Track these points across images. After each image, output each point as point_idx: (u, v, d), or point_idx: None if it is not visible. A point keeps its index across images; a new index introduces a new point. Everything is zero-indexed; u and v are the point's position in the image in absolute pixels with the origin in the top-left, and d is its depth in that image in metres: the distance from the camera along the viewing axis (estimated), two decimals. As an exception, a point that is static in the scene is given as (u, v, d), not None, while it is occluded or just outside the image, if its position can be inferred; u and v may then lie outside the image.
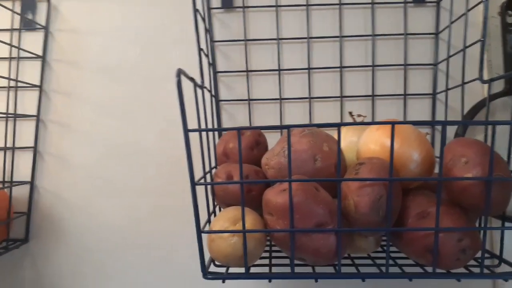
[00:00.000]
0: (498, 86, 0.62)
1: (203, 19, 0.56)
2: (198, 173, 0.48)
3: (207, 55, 0.56)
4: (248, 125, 0.66)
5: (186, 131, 0.38)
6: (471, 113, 0.61)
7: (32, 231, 0.67)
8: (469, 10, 0.55)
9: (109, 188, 0.68)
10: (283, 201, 0.40)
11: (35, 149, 0.67)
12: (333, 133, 0.52)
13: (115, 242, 0.68)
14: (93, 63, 0.68)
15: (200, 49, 0.53)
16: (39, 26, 0.67)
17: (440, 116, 0.65)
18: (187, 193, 0.66)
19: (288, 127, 0.39)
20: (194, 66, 0.56)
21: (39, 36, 0.68)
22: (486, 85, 0.64)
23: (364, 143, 0.47)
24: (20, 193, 0.67)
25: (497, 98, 0.61)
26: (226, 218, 0.42)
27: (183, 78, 0.40)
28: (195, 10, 0.52)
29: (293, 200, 0.39)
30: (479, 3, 0.53)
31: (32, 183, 0.67)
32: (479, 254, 0.41)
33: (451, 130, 0.63)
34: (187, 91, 0.57)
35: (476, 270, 0.42)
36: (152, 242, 0.67)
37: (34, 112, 0.67)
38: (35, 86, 0.67)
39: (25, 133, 0.67)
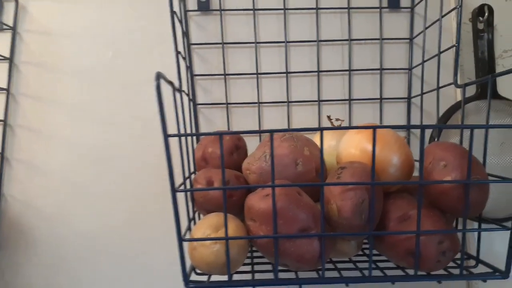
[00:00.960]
0: (471, 90, 0.64)
1: (180, 22, 0.55)
2: (177, 179, 0.47)
3: (184, 58, 0.55)
4: (226, 129, 0.66)
5: (166, 136, 0.37)
6: (445, 117, 0.62)
7: (-1, 241, 0.64)
8: (443, 16, 0.56)
9: (83, 194, 0.65)
10: (266, 207, 0.40)
11: (1, 155, 0.64)
12: (311, 136, 0.53)
13: (90, 251, 0.65)
14: (65, 65, 0.66)
15: (177, 52, 0.52)
16: (6, 27, 0.64)
17: (415, 120, 0.66)
18: (165, 199, 0.64)
19: (271, 131, 0.38)
20: (171, 69, 0.55)
21: (6, 37, 0.65)
22: (459, 90, 0.66)
23: (344, 147, 0.47)
24: (-14, 202, 0.63)
25: (470, 102, 0.63)
26: (207, 225, 0.41)
27: (161, 81, 0.39)
28: (172, 12, 0.51)
29: (277, 205, 0.39)
30: (453, 9, 0.55)
31: (-1, 191, 0.64)
32: (457, 256, 0.42)
33: (426, 133, 0.64)
34: (165, 94, 0.56)
35: (455, 271, 0.43)
36: (130, 250, 0.65)
37: (1, 117, 0.64)
38: (1, 89, 0.64)
39: (-9, 139, 0.64)
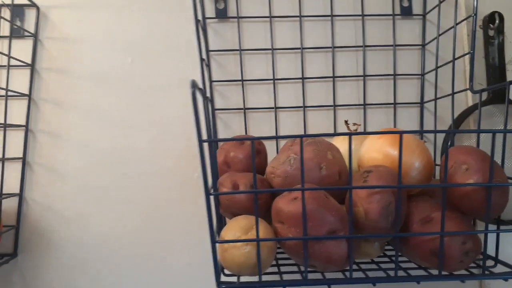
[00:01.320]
0: (485, 95, 0.66)
1: (204, 29, 0.57)
2: (198, 183, 0.48)
3: (208, 65, 0.57)
4: (243, 133, 0.67)
5: (201, 141, 0.39)
6: (458, 122, 0.64)
7: (21, 244, 0.65)
8: (458, 24, 0.58)
9: (102, 198, 0.66)
10: (296, 209, 0.41)
11: (24, 159, 0.65)
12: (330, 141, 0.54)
13: (109, 253, 0.66)
14: (83, 71, 0.67)
15: (202, 59, 0.53)
16: (28, 34, 0.66)
17: (427, 124, 0.68)
18: (183, 202, 0.67)
19: (301, 136, 0.40)
20: (187, 75, 0.56)
21: (28, 44, 0.66)
22: (470, 96, 0.68)
23: (366, 151, 0.49)
24: (9, 205, 0.64)
25: (482, 107, 0.65)
26: (238, 227, 0.43)
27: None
28: (197, 21, 0.53)
29: (306, 208, 0.40)
30: (468, 17, 0.56)
31: (21, 195, 0.65)
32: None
33: (439, 138, 0.65)
34: (186, 100, 0.57)
35: (475, 271, 0.44)
36: (148, 252, 0.66)
37: (23, 122, 0.65)
38: (24, 95, 0.65)
39: (13, 144, 0.65)
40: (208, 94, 0.59)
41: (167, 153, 0.67)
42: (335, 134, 0.40)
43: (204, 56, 0.58)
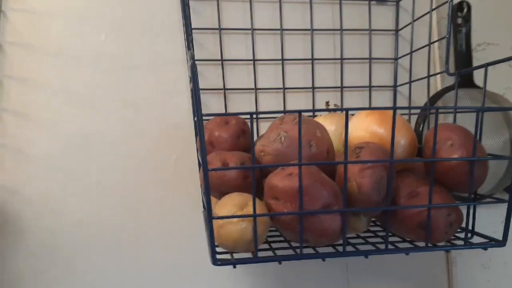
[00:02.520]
0: (450, 80, 0.69)
1: (187, 5, 0.55)
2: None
3: (191, 42, 0.55)
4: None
5: (200, 116, 0.38)
6: (429, 104, 0.67)
7: (-16, 231, 0.61)
8: (433, 9, 0.61)
9: (73, 182, 0.63)
10: (292, 185, 0.41)
11: (-14, 140, 0.60)
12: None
13: (81, 240, 0.63)
14: (52, 47, 0.62)
15: (187, 36, 0.51)
16: (-11, 4, 0.60)
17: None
18: (160, 186, 0.65)
19: (300, 111, 0.40)
20: (162, 54, 0.54)
21: (-11, 15, 0.61)
22: (439, 80, 0.71)
23: (354, 130, 0.50)
24: (-30, 190, 0.60)
25: (450, 91, 0.68)
26: (232, 203, 0.42)
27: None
28: (182, -4, 0.51)
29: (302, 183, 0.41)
30: (444, 3, 0.59)
31: (-17, 179, 0.60)
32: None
33: (412, 119, 0.68)
34: (159, 80, 0.55)
35: (457, 242, 0.47)
36: (122, 240, 0.64)
37: (-15, 100, 0.60)
38: (-15, 70, 0.60)
39: (-26, 124, 0.60)
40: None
41: (141, 135, 0.65)
42: (333, 109, 0.40)
43: (180, 35, 0.56)
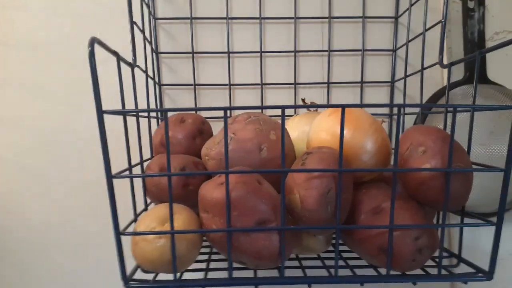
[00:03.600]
0: (458, 74, 0.59)
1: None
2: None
3: (142, 30, 0.50)
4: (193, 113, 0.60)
5: (101, 112, 0.32)
6: (430, 102, 0.58)
7: None
8: (429, -10, 0.51)
9: (36, 182, 0.60)
10: (220, 196, 0.35)
11: None
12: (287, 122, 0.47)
13: (42, 243, 0.60)
14: (16, 40, 0.60)
15: (132, 22, 0.46)
16: (-49, -4, 0.58)
17: (398, 106, 0.61)
18: (126, 187, 0.60)
19: (225, 109, 0.33)
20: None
21: (-49, 7, 0.59)
22: (445, 74, 0.61)
23: (315, 131, 0.42)
24: None
25: (457, 87, 0.58)
26: (153, 217, 0.36)
27: (103, 50, 0.34)
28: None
29: (231, 195, 0.34)
30: (440, -18, 0.49)
31: None
32: (436, 253, 0.38)
33: (409, 121, 0.59)
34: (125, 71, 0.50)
35: (433, 271, 0.38)
36: (83, 242, 0.60)
37: None
38: None
39: None
40: (143, 65, 0.52)
41: (112, 132, 0.60)
42: (266, 107, 0.33)
43: (146, 23, 0.51)
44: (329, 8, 0.61)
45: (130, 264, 0.37)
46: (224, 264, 0.43)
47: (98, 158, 0.58)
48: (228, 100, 0.60)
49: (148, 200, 0.46)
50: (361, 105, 0.35)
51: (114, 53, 0.37)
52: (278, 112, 0.34)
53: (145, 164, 0.45)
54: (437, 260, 0.39)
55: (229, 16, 0.60)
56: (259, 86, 0.61)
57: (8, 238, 0.59)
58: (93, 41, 0.31)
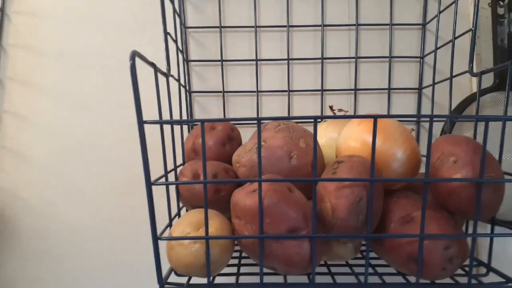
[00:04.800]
0: (488, 80, 0.59)
1: (172, 2, 0.51)
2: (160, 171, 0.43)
3: (175, 41, 0.51)
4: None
5: (142, 122, 0.34)
6: (459, 109, 0.57)
7: (-17, 233, 0.62)
8: (458, -2, 0.51)
9: (70, 186, 0.62)
10: (252, 203, 0.36)
11: (-12, 142, 0.61)
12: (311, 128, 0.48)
13: (76, 245, 0.62)
14: (53, 49, 0.62)
15: (166, 33, 0.48)
16: (-7, 8, 0.61)
17: (425, 112, 0.61)
18: (157, 193, 0.61)
19: (259, 119, 0.34)
20: (163, 54, 0.51)
21: (-6, 18, 0.62)
22: (475, 80, 0.61)
23: (344, 139, 0.43)
24: (-29, 191, 0.61)
25: (486, 94, 0.58)
26: (188, 222, 0.38)
27: (143, 63, 0.35)
28: (162, -10, 0.47)
29: (263, 202, 0.35)
30: (469, -11, 0.49)
31: (-16, 180, 0.61)
32: (466, 262, 0.38)
33: (437, 128, 0.59)
34: (160, 82, 0.51)
35: (462, 279, 0.38)
36: (117, 246, 0.62)
37: (-13, 102, 0.61)
38: (-12, 73, 0.61)
39: (-23, 125, 0.62)
40: (176, 73, 0.54)
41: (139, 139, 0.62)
42: (298, 117, 0.34)
43: (178, 33, 0.52)
44: (356, 15, 0.61)
45: (163, 268, 0.38)
46: (254, 269, 0.44)
47: (127, 163, 0.61)
48: (256, 106, 0.61)
49: (181, 204, 0.47)
50: (392, 116, 0.35)
51: (152, 64, 0.38)
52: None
53: (178, 169, 0.47)
54: (466, 269, 0.39)
55: (257, 25, 0.61)
56: (286, 93, 0.62)
57: (44, 239, 0.62)
58: (134, 55, 0.33)
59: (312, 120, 0.34)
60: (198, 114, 0.62)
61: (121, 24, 0.62)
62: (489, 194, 0.35)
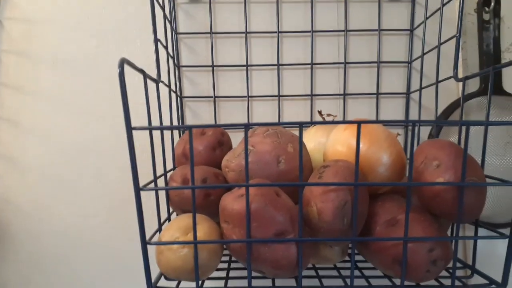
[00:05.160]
0: (474, 85, 0.60)
1: (162, 8, 0.52)
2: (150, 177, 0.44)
3: (165, 47, 0.52)
4: (213, 123, 0.62)
5: (130, 129, 0.34)
6: (446, 113, 0.59)
7: (-24, 237, 0.62)
8: (444, 5, 0.52)
9: (64, 191, 0.63)
10: (240, 208, 0.36)
11: (-20, 147, 0.61)
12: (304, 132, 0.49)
13: (69, 249, 0.62)
14: (46, 54, 0.63)
15: (157, 40, 0.48)
16: (-14, 14, 0.62)
17: (413, 116, 0.62)
18: (149, 197, 0.62)
19: (246, 125, 0.35)
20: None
21: (-14, 24, 0.62)
22: (461, 84, 0.62)
23: (331, 144, 0.44)
24: (-37, 196, 0.61)
25: (472, 98, 0.59)
26: (177, 227, 0.38)
27: (132, 70, 0.36)
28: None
29: (251, 207, 0.36)
30: (454, -4, 0.50)
31: (-24, 185, 0.61)
32: (450, 264, 0.38)
33: (425, 132, 0.60)
34: (154, 87, 0.52)
35: (447, 282, 0.39)
36: (109, 249, 0.63)
37: (-20, 108, 0.62)
38: (-20, 79, 0.61)
39: (-31, 130, 0.62)
40: (166, 79, 0.54)
41: (136, 144, 0.63)
42: (284, 123, 0.35)
43: (169, 39, 0.53)
44: (345, 21, 0.62)
45: (153, 272, 0.39)
46: (243, 273, 0.44)
47: (120, 168, 0.62)
48: (247, 111, 0.62)
49: (171, 209, 0.48)
50: (376, 121, 0.36)
51: (141, 71, 0.39)
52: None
53: (168, 174, 0.47)
54: (451, 271, 0.40)
55: (247, 31, 0.62)
56: (277, 98, 0.62)
57: (37, 243, 0.62)
58: (123, 62, 0.33)
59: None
60: (189, 119, 0.63)
61: (114, 30, 0.63)
62: (472, 197, 0.36)
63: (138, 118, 0.58)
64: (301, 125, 0.35)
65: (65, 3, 0.62)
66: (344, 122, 0.39)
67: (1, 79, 0.63)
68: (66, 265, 0.62)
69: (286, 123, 0.35)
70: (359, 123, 0.35)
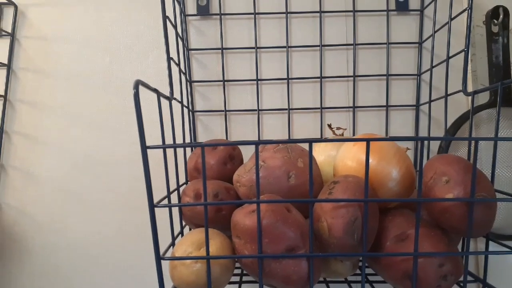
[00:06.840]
0: (484, 97, 0.60)
1: (174, 26, 0.53)
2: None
3: (177, 64, 0.53)
4: (224, 137, 0.63)
5: (145, 148, 0.35)
6: (456, 125, 0.59)
7: (-7, 250, 0.63)
8: (452, 19, 0.53)
9: (78, 203, 0.64)
10: (251, 223, 0.37)
11: (-2, 162, 0.63)
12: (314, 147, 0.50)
13: (84, 261, 0.64)
14: (62, 71, 0.65)
15: (169, 58, 0.50)
16: (4, 33, 0.64)
17: (423, 129, 0.62)
18: (161, 210, 0.63)
19: (257, 143, 0.36)
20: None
21: (4, 43, 0.64)
22: (470, 97, 0.62)
23: (341, 159, 0.44)
24: (-19, 209, 0.63)
25: (482, 110, 0.59)
26: (189, 242, 0.39)
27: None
28: (165, 17, 0.49)
29: (262, 223, 0.36)
30: (462, 11, 0.51)
31: (-6, 199, 0.63)
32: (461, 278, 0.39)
33: (435, 144, 0.60)
34: (166, 102, 0.53)
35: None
36: (124, 262, 0.63)
37: (-2, 123, 0.64)
38: (-1, 95, 0.63)
39: (-12, 146, 0.64)
40: (179, 95, 0.56)
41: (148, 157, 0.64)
42: (294, 140, 0.35)
43: (176, 55, 0.54)
44: (353, 35, 0.63)
45: (166, 286, 0.40)
46: (255, 287, 0.45)
47: (133, 180, 0.63)
48: (257, 124, 0.63)
49: (183, 223, 0.49)
50: (386, 139, 0.37)
51: (155, 90, 0.40)
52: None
53: (181, 188, 0.48)
54: (461, 285, 0.40)
55: (257, 46, 0.63)
56: (286, 111, 0.63)
57: (53, 255, 0.63)
58: (138, 84, 0.34)
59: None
60: (201, 133, 0.64)
61: (127, 47, 0.64)
62: (481, 213, 0.36)
63: (152, 132, 0.59)
64: (311, 143, 0.35)
65: (80, 21, 0.64)
66: (353, 140, 0.40)
67: (18, 95, 0.64)
68: (81, 277, 0.63)
69: (297, 140, 0.36)
70: (368, 140, 0.35)
